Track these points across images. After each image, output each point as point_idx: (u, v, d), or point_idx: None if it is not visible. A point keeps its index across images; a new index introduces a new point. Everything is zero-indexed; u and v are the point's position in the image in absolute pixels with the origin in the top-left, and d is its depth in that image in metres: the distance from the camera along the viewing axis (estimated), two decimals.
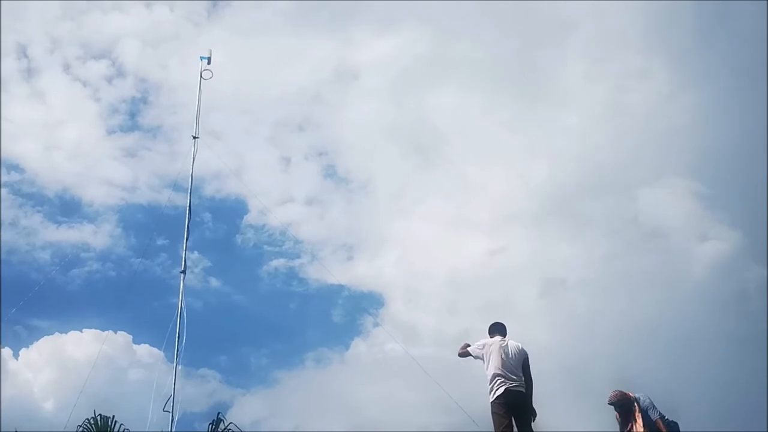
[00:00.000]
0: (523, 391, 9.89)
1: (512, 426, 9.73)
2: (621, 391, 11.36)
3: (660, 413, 11.32)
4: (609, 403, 11.30)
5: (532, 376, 10.12)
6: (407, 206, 34.51)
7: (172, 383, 11.06)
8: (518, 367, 10.02)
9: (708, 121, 31.65)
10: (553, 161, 32.93)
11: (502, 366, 9.98)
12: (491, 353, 10.15)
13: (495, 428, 9.73)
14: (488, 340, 10.42)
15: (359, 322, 31.34)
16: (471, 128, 33.92)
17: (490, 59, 33.27)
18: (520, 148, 33.49)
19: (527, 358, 10.17)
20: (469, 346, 10.46)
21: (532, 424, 9.86)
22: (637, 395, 11.39)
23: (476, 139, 33.79)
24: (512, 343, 10.33)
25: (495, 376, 9.96)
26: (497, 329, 10.57)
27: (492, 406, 9.86)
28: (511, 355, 10.09)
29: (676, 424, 11.39)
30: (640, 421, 11.13)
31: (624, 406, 11.25)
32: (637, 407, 11.19)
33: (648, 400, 11.33)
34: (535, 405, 10.11)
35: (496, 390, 9.86)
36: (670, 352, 25.95)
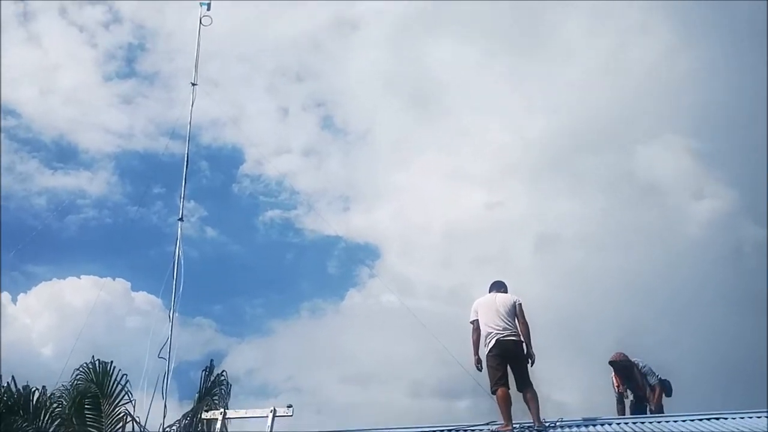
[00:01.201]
0: (516, 339, 9.79)
1: (507, 377, 9.67)
2: (624, 354, 11.45)
3: (658, 378, 11.43)
4: (610, 362, 11.38)
5: (527, 320, 9.98)
6: (405, 158, 34.43)
7: (169, 330, 11.07)
8: (509, 317, 9.90)
9: (708, 79, 31.43)
10: (552, 115, 32.83)
11: (491, 319, 9.92)
12: (482, 310, 10.10)
13: (490, 381, 9.69)
14: (480, 299, 10.33)
15: (355, 273, 31.45)
16: (470, 80, 33.77)
17: (490, 11, 32.83)
18: (519, 102, 33.31)
19: (519, 305, 10.03)
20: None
21: (530, 368, 9.77)
22: (635, 360, 11.50)
23: (476, 91, 33.61)
24: (501, 295, 10.24)
25: (486, 330, 9.91)
26: (495, 287, 10.47)
27: (486, 359, 9.81)
28: (499, 307, 9.99)
29: (668, 382, 11.52)
30: (641, 380, 11.29)
31: (625, 369, 11.35)
32: (637, 370, 11.31)
33: (647, 367, 11.44)
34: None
35: (489, 343, 9.82)
36: (666, 309, 26.10)
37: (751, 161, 29.65)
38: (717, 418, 9.61)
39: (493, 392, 9.64)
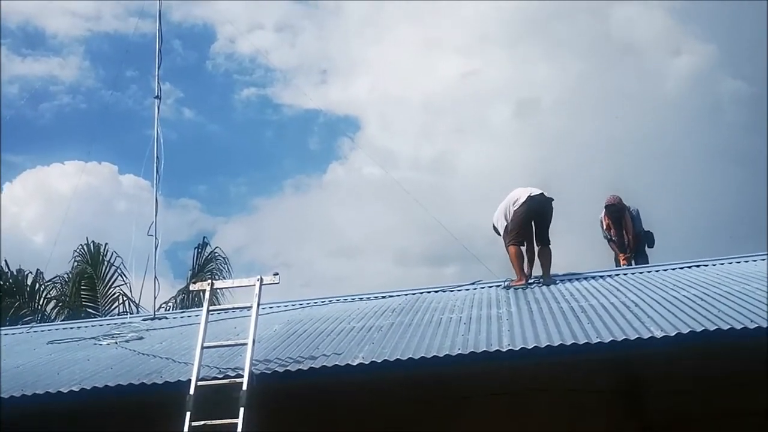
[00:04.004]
0: (546, 195, 9.99)
1: (524, 237, 9.92)
2: (620, 198, 11.82)
3: (641, 227, 11.60)
4: (606, 205, 11.70)
5: None
6: (379, 29, 33.72)
7: (153, 207, 10.94)
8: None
9: None
10: None
11: (525, 189, 10.09)
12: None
13: (509, 235, 9.91)
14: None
15: (336, 146, 31.37)
16: None
17: None
18: None
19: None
20: None
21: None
22: (628, 205, 11.68)
23: None
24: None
25: (519, 193, 10.04)
26: None
27: (513, 213, 9.97)
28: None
29: (651, 234, 11.72)
30: (630, 226, 11.54)
31: (618, 212, 11.68)
32: (628, 214, 11.50)
33: (636, 210, 11.61)
34: None
35: (519, 199, 9.96)
36: (647, 166, 26.20)
37: (728, 14, 29.16)
38: (706, 265, 9.79)
39: (507, 247, 9.94)
